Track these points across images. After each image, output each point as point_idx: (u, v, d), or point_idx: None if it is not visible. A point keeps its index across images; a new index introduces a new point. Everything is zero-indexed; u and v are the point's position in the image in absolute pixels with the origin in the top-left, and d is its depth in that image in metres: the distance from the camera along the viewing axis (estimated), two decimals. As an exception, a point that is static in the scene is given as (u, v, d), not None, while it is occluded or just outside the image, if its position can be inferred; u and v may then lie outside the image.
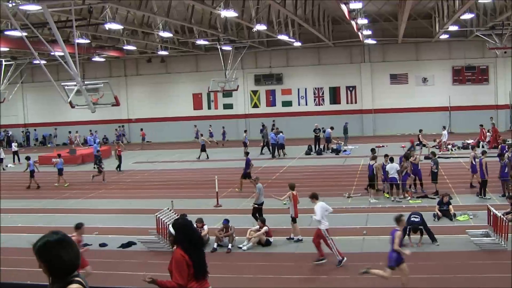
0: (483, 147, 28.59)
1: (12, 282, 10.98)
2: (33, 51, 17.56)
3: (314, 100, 43.10)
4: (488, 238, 13.26)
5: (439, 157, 22.31)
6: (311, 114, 41.21)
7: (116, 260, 13.64)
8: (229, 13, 21.23)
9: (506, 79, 38.47)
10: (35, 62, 33.45)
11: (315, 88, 42.98)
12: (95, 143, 34.89)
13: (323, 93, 42.94)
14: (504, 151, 21.04)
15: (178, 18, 26.26)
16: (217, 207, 19.18)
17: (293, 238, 14.66)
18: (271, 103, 43.83)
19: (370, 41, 36.77)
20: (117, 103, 18.93)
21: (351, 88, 42.49)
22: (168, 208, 15.01)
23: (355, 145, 34.35)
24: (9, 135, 46.93)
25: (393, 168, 19.06)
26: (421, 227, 13.47)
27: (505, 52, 34.85)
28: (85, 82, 17.73)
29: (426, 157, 23.57)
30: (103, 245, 14.93)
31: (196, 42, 33.72)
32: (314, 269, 12.37)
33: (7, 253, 13.24)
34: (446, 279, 11.21)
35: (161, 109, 44.96)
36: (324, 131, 33.58)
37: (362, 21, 26.27)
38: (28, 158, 25.57)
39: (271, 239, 14.35)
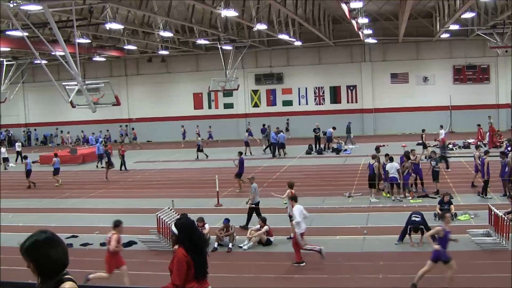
0: (484, 146, 28.55)
1: (13, 282, 10.98)
2: (34, 51, 17.58)
3: (315, 99, 43.08)
4: (489, 238, 13.25)
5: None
6: (311, 114, 41.20)
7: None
8: (230, 13, 21.24)
9: (507, 78, 38.40)
10: (36, 62, 33.51)
11: (316, 88, 42.97)
12: (97, 142, 34.89)
13: (323, 93, 42.91)
14: (506, 150, 21.00)
15: (179, 18, 26.25)
16: (218, 206, 19.19)
17: (293, 238, 14.65)
18: (272, 102, 43.82)
19: (370, 40, 36.76)
20: (117, 103, 19.00)
21: (351, 88, 42.45)
22: (169, 208, 15.01)
23: (355, 145, 34.33)
24: (10, 135, 46.99)
25: (393, 168, 19.04)
26: (422, 226, 13.46)
27: (506, 51, 34.81)
28: (86, 82, 17.76)
29: (429, 157, 23.49)
30: (103, 244, 14.90)
31: (197, 41, 33.73)
32: (314, 269, 12.35)
33: (8, 252, 13.22)
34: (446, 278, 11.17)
35: (161, 109, 44.97)
36: (324, 133, 33.53)
37: (363, 20, 26.26)
38: (25, 158, 25.55)
39: (272, 239, 14.35)
